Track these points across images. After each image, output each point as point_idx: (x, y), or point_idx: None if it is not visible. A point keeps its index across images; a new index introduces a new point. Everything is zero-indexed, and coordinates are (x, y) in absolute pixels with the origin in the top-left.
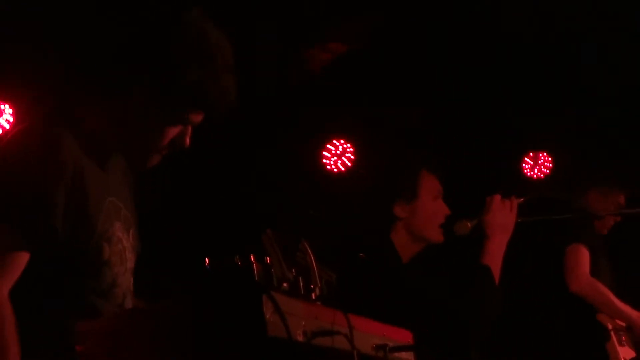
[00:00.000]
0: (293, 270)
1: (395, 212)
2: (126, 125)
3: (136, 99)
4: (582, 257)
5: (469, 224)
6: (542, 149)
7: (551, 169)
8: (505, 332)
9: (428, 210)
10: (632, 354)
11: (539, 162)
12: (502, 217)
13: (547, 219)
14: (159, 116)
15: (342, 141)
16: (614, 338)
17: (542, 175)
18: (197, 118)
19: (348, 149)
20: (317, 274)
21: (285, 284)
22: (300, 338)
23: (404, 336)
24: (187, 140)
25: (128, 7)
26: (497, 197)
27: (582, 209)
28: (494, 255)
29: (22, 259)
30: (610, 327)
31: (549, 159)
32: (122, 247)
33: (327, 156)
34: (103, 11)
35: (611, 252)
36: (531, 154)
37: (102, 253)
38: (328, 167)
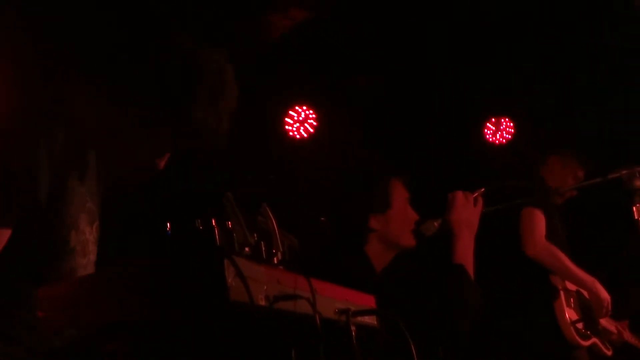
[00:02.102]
0: (255, 234)
1: (371, 224)
2: (116, 136)
3: (139, 115)
4: (538, 220)
5: (435, 224)
6: (504, 115)
7: (513, 135)
8: None
9: (401, 218)
10: (577, 317)
11: (501, 127)
12: (467, 212)
13: (509, 206)
14: (153, 142)
15: (304, 107)
16: (562, 298)
17: (504, 140)
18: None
19: (310, 116)
20: (279, 239)
21: (247, 249)
22: (262, 302)
23: (367, 300)
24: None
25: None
26: (459, 193)
27: (540, 182)
28: (465, 252)
29: (4, 236)
30: (560, 287)
31: (511, 124)
32: (86, 239)
33: (289, 122)
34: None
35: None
36: (493, 120)
37: (70, 241)
38: (290, 133)
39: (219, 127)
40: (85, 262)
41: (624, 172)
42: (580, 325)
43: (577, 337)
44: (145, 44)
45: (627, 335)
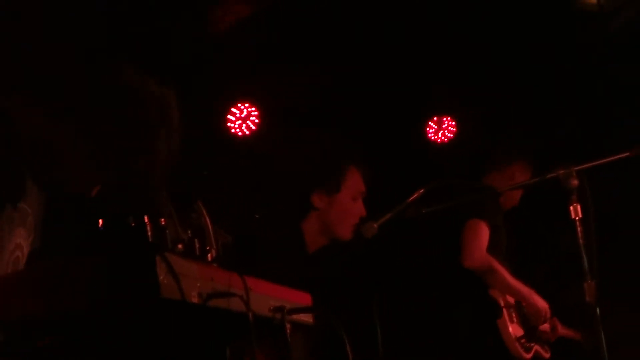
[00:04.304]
0: (188, 231)
1: (313, 200)
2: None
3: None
4: (481, 232)
5: (375, 225)
6: (446, 113)
7: (455, 133)
8: (399, 308)
9: (345, 207)
10: (521, 331)
11: (443, 126)
12: None
13: (448, 206)
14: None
15: (247, 105)
16: (505, 315)
17: (446, 139)
18: None
19: (252, 113)
20: (212, 235)
21: (179, 245)
22: (195, 300)
23: (303, 298)
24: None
25: None
26: None
27: (483, 187)
28: None
29: None
30: (502, 303)
31: (453, 123)
32: (22, 254)
33: (231, 119)
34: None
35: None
36: (435, 119)
37: None
38: (232, 130)
39: (150, 176)
40: None
41: (561, 171)
42: (524, 340)
43: (522, 352)
44: (95, 75)
45: (560, 330)
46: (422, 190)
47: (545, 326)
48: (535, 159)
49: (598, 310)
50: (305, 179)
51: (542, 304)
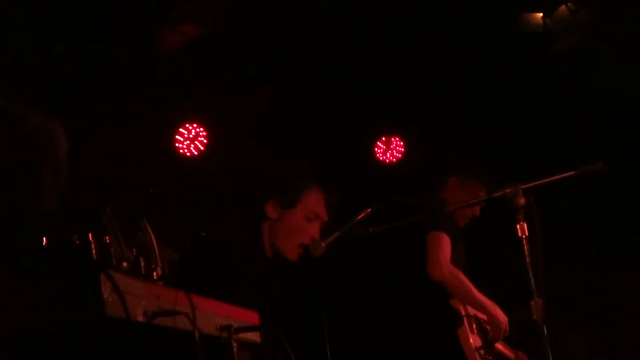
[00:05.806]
0: (134, 249)
1: (266, 209)
2: None
3: None
4: (444, 243)
5: (323, 244)
6: (394, 134)
7: (403, 154)
8: (360, 313)
9: (295, 223)
10: (480, 342)
11: (391, 146)
12: None
13: (397, 225)
14: None
15: (195, 125)
16: (466, 324)
17: (394, 159)
18: None
19: (201, 133)
20: (157, 254)
21: (125, 264)
22: (140, 318)
23: (250, 317)
24: None
25: None
26: None
27: (438, 202)
28: None
29: None
30: (463, 313)
31: (401, 143)
32: None
33: (179, 140)
34: None
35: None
36: (383, 139)
37: None
38: (181, 150)
39: (35, 207)
40: None
41: (508, 190)
42: (482, 352)
43: None
44: None
45: None
46: (370, 210)
47: (512, 354)
48: (475, 174)
49: (545, 328)
50: (264, 186)
51: (503, 317)
